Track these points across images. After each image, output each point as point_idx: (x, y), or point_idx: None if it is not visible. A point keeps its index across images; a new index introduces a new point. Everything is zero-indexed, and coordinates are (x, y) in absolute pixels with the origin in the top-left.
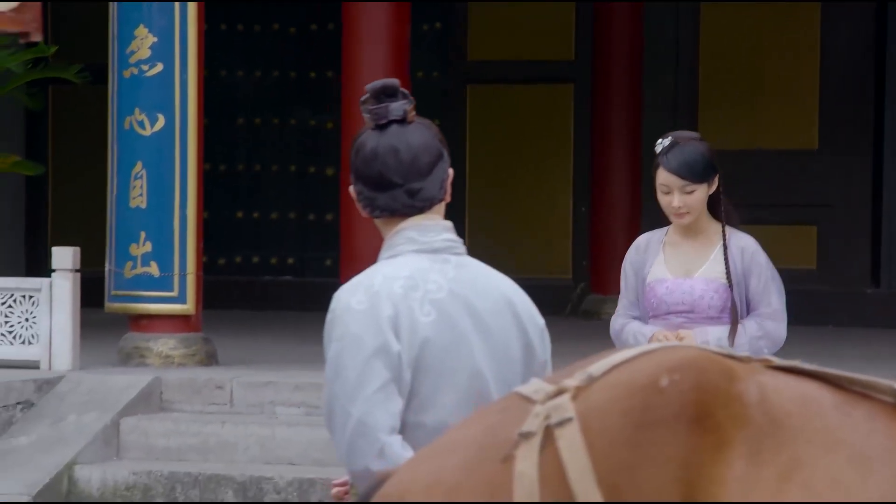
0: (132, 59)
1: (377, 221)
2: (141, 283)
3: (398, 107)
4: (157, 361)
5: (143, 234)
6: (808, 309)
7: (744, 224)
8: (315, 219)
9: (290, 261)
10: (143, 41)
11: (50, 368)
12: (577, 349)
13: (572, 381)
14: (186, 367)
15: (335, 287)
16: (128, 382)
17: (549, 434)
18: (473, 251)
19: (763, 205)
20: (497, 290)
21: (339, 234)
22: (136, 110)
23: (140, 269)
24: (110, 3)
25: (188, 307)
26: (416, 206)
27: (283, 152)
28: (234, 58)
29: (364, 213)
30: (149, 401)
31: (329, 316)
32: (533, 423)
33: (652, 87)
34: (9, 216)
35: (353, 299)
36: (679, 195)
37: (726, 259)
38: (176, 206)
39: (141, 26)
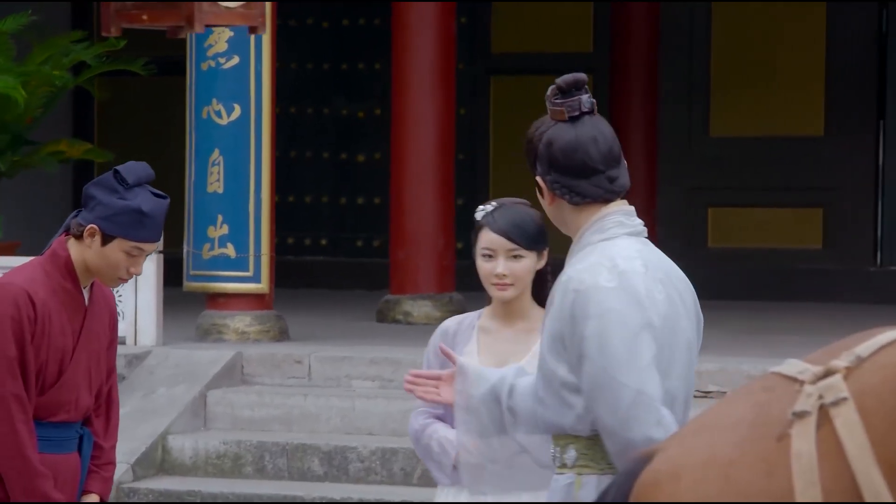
0: (210, 53)
1: (568, 208)
2: (218, 264)
3: (588, 99)
4: (233, 337)
5: (220, 218)
6: (815, 285)
7: (755, 207)
8: (364, 202)
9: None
10: (221, 35)
11: (136, 344)
12: None
13: (841, 362)
14: (261, 342)
15: (383, 267)
16: (212, 357)
17: (824, 413)
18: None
19: (772, 188)
20: (680, 273)
21: (390, 216)
22: (214, 101)
23: (217, 251)
24: None
25: (262, 286)
26: (615, 191)
27: (332, 139)
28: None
29: (551, 203)
30: (231, 374)
31: (571, 296)
32: (806, 403)
33: (667, 78)
34: (58, 199)
35: (599, 278)
36: (504, 261)
37: None
38: (251, 191)
39: None
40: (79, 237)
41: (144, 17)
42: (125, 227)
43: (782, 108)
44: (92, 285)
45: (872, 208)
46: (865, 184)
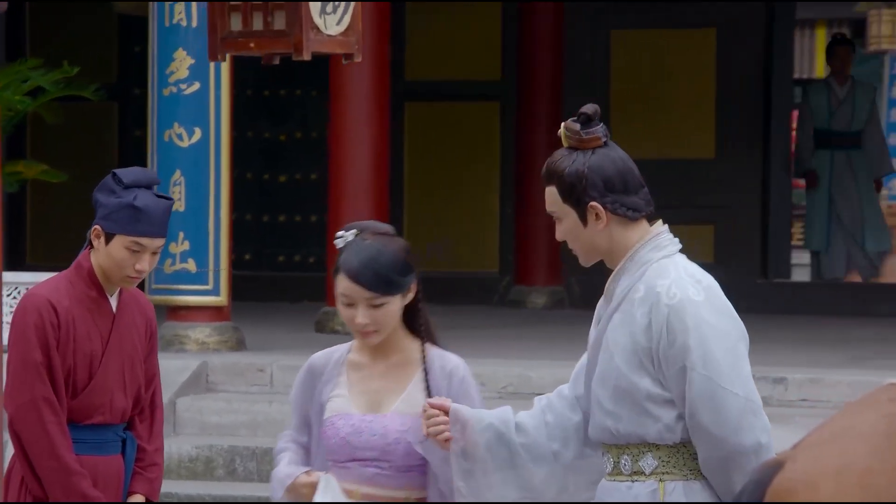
0: (171, 79)
1: (620, 229)
2: (179, 278)
3: (604, 127)
4: (194, 347)
5: (181, 235)
6: None
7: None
8: (301, 220)
9: (297, 258)
10: (182, 63)
11: None
12: (504, 333)
13: None
14: (221, 352)
15: (319, 281)
16: (179, 366)
17: None
18: (413, 249)
19: (667, 207)
20: None
21: (327, 233)
22: (175, 124)
23: (179, 266)
24: (150, 28)
25: (221, 299)
26: (651, 207)
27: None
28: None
29: (605, 227)
30: (198, 382)
31: (664, 311)
32: None
33: (569, 104)
34: None
35: (688, 292)
36: (365, 310)
37: (428, 388)
38: (211, 209)
39: (180, 49)
40: (92, 245)
41: (252, 45)
42: (122, 223)
43: (676, 132)
44: (121, 293)
45: (760, 225)
46: (753, 202)
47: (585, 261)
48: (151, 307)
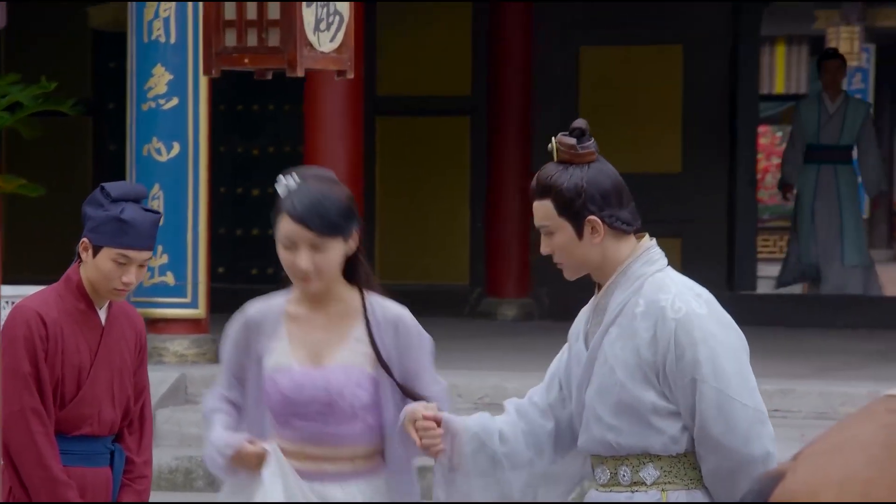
0: (150, 94)
1: (613, 242)
2: (158, 291)
3: (595, 142)
4: (173, 359)
5: (160, 248)
6: None
7: None
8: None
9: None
10: (161, 78)
11: None
12: (476, 344)
13: None
14: (199, 364)
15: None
16: (158, 378)
17: None
18: (385, 262)
19: None
20: None
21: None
22: (154, 139)
23: (157, 279)
24: (128, 44)
25: (200, 311)
26: (639, 222)
27: (242, 175)
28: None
29: (601, 241)
30: (177, 394)
31: (671, 325)
32: None
33: (539, 119)
34: None
35: (692, 305)
36: (307, 253)
37: (372, 338)
38: (189, 223)
39: (159, 65)
40: (81, 258)
41: (246, 60)
42: (108, 235)
43: (644, 147)
44: (111, 306)
45: (726, 238)
46: (719, 216)
47: (573, 274)
48: (141, 320)
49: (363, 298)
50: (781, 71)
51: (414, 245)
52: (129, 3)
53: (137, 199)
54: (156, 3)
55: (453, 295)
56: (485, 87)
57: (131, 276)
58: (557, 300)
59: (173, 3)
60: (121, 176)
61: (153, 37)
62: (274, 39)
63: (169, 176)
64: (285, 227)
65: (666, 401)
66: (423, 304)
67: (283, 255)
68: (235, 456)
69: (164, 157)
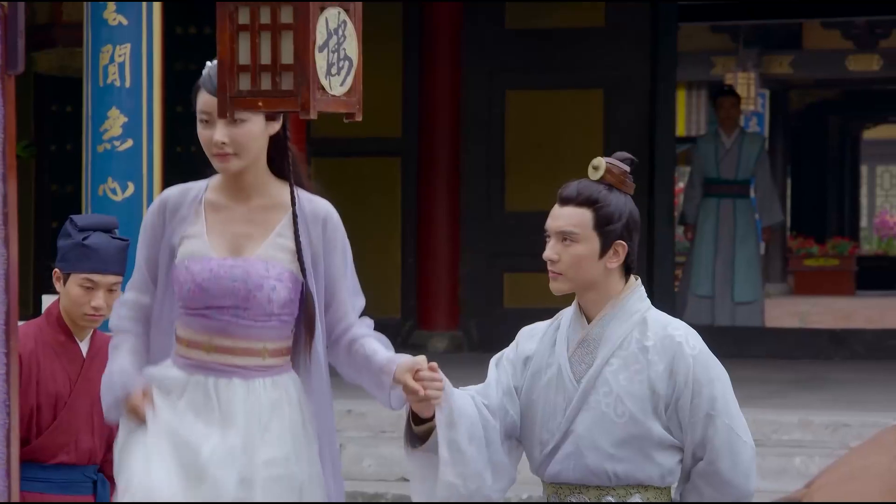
0: (105, 136)
1: (618, 273)
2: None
3: None
4: None
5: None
6: None
7: (544, 272)
8: None
9: None
10: (116, 121)
11: None
12: None
13: None
14: None
15: None
16: None
17: None
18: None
19: None
20: None
21: None
22: (109, 179)
23: None
24: (84, 88)
25: None
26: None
27: None
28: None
29: (615, 263)
30: None
31: (689, 360)
32: None
33: (468, 160)
34: None
35: (699, 342)
36: (223, 127)
37: (297, 233)
38: None
39: (114, 108)
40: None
41: (260, 103)
42: (73, 261)
43: None
44: (93, 338)
45: (645, 276)
46: (638, 254)
47: (567, 288)
48: None
49: (292, 190)
50: (683, 115)
51: None
52: (85, 48)
53: (107, 230)
54: (111, 49)
55: (386, 328)
56: (416, 128)
57: (100, 301)
58: (485, 332)
59: (128, 49)
60: (63, 216)
61: (108, 81)
62: (287, 83)
63: (124, 215)
64: (202, 101)
65: (669, 434)
66: None
67: (201, 131)
68: (126, 403)
69: (119, 197)
